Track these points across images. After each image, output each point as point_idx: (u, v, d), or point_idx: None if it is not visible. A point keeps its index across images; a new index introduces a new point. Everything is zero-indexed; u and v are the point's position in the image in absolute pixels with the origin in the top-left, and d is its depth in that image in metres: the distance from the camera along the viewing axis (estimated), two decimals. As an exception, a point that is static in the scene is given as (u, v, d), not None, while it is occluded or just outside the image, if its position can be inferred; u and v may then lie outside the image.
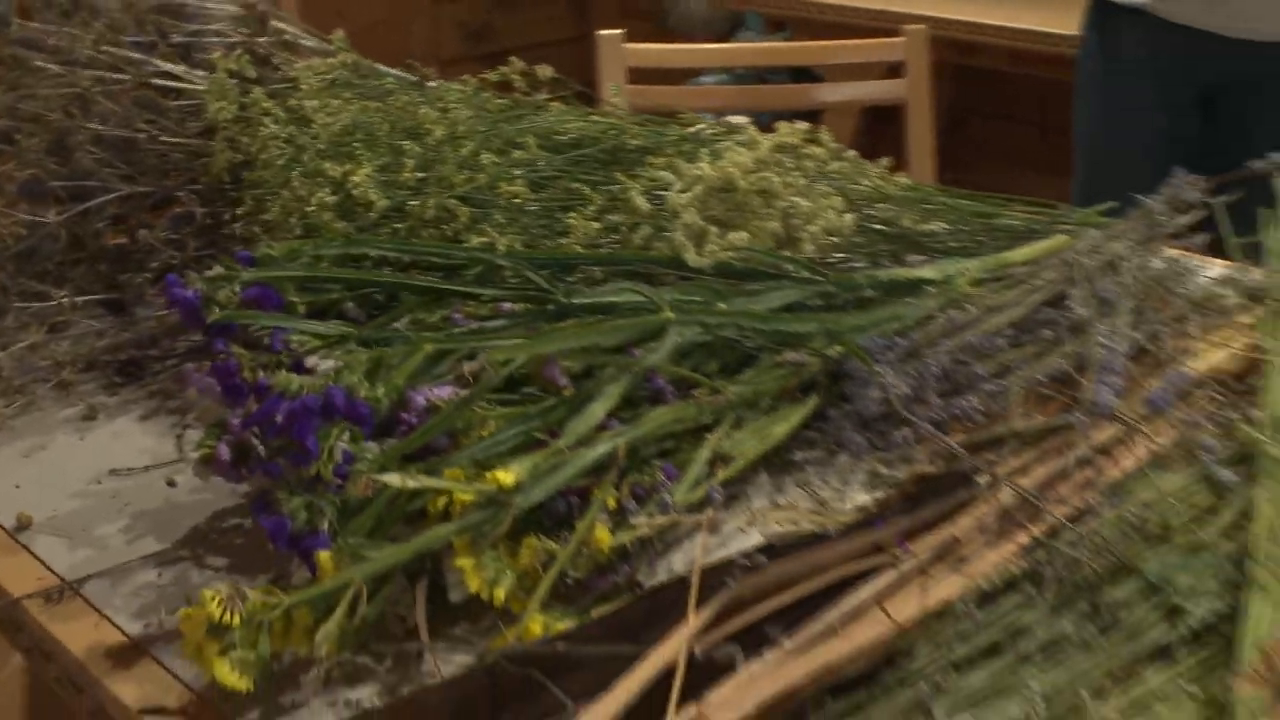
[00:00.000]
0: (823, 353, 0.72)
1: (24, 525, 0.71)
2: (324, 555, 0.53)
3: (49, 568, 0.67)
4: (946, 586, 0.57)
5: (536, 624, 0.54)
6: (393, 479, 0.52)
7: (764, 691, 0.47)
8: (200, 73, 0.90)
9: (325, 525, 0.55)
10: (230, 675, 0.49)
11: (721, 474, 0.65)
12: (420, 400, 0.60)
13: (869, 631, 0.53)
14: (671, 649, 0.49)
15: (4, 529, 0.71)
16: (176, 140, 0.88)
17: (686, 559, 0.63)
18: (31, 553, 0.69)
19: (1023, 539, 0.60)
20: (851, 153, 0.91)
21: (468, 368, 0.59)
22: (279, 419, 0.56)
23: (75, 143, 0.84)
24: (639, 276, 0.76)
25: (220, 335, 0.66)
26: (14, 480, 0.75)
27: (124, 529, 0.70)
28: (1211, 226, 0.91)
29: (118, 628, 0.62)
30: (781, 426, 0.69)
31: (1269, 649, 0.53)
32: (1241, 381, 0.76)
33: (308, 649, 0.53)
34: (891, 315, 0.77)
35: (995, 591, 0.58)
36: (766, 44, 1.74)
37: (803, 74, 2.11)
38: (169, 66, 0.88)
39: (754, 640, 0.51)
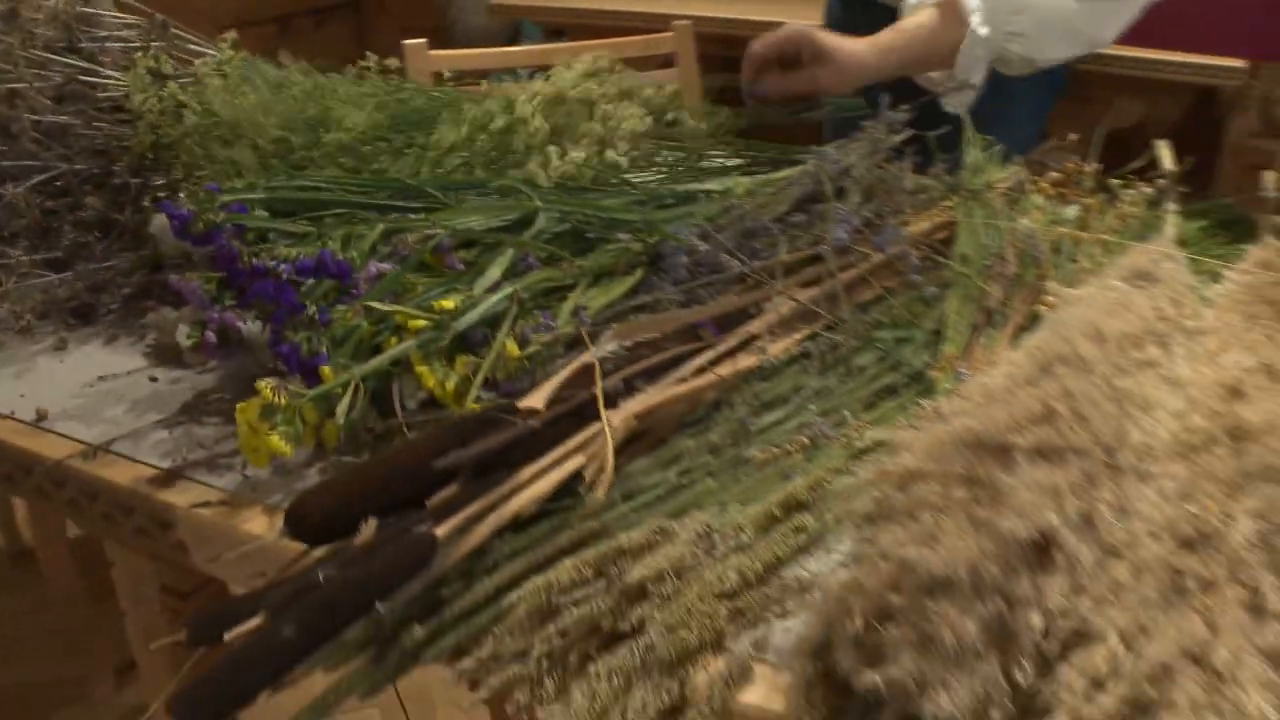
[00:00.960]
0: (644, 239, 1.01)
1: (43, 416, 0.91)
2: (326, 369, 0.78)
3: (76, 440, 0.89)
4: (749, 359, 0.86)
5: (474, 405, 0.80)
6: (375, 305, 0.77)
7: (647, 403, 0.75)
8: (114, 72, 1.12)
9: (324, 349, 0.79)
10: (281, 444, 0.73)
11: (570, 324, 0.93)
12: (373, 269, 0.85)
13: (704, 382, 0.82)
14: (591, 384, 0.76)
15: (25, 422, 0.92)
16: (103, 126, 1.09)
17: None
18: (57, 433, 0.90)
19: (798, 332, 0.90)
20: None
21: (412, 238, 0.85)
22: (283, 278, 0.80)
23: (19, 129, 1.05)
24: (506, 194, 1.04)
25: (206, 242, 0.89)
26: (18, 391, 0.96)
27: (126, 411, 0.92)
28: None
29: (150, 466, 0.84)
30: (620, 287, 0.97)
31: (949, 357, 0.84)
32: (944, 243, 1.09)
33: (313, 443, 0.78)
34: (687, 213, 1.07)
35: (782, 365, 0.88)
36: (563, 44, 2.02)
37: (586, 73, 2.42)
38: (91, 65, 1.10)
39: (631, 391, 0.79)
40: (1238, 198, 1.30)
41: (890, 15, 1.44)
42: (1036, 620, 0.56)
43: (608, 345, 0.82)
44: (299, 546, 0.70)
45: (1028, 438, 0.62)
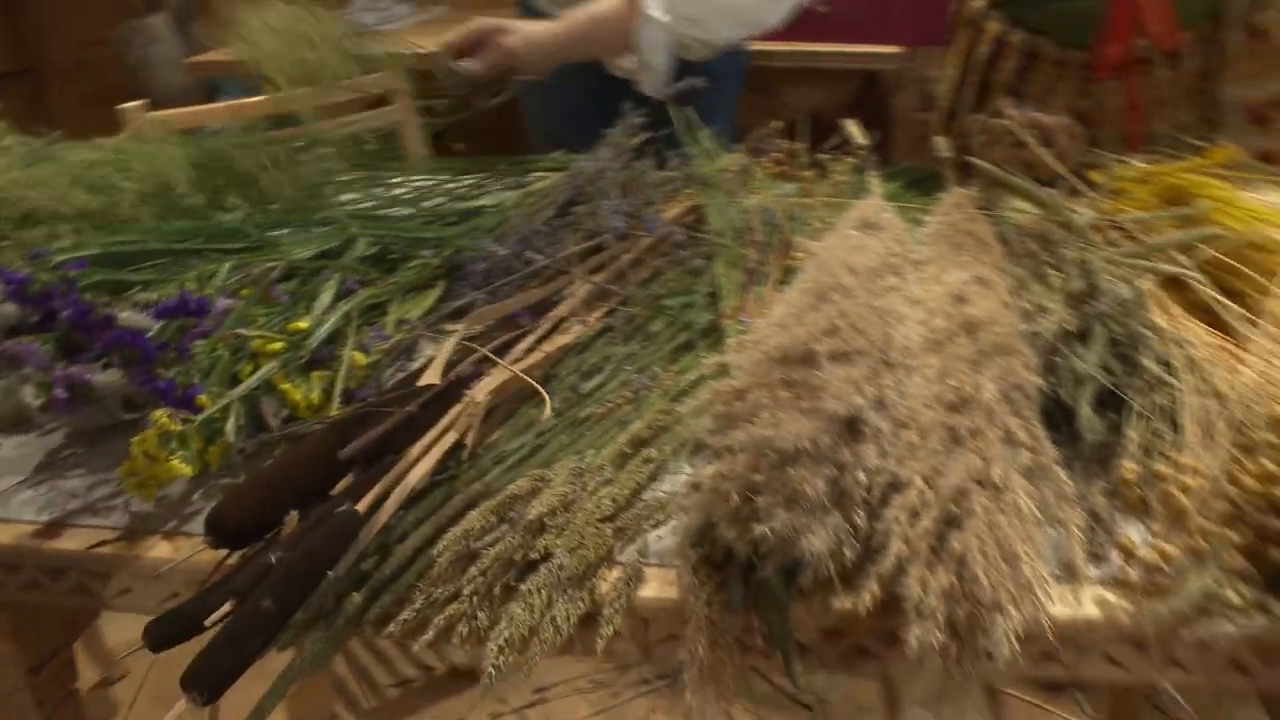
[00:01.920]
0: (442, 253, 1.15)
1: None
2: (202, 397, 0.87)
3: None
4: (564, 338, 1.01)
5: (335, 410, 0.92)
6: (243, 332, 0.87)
7: (496, 381, 0.89)
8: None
9: (196, 380, 0.88)
10: (182, 467, 0.82)
11: (400, 333, 1.06)
12: (222, 304, 0.94)
13: (535, 360, 0.96)
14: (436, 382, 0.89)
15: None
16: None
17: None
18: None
19: (598, 311, 1.06)
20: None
21: (255, 272, 0.95)
22: (141, 325, 0.88)
23: None
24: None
25: (47, 302, 0.95)
26: None
27: (-22, 482, 0.97)
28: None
29: (29, 522, 0.90)
30: (429, 298, 1.10)
31: (730, 309, 1.03)
32: (696, 222, 1.28)
33: (198, 469, 0.87)
34: (473, 226, 1.21)
35: (591, 339, 1.04)
36: (277, 95, 2.08)
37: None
38: None
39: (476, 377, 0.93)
40: (917, 160, 1.57)
41: None
42: (862, 478, 0.73)
43: (460, 333, 0.95)
44: (211, 561, 0.80)
45: (824, 346, 0.80)
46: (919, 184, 1.44)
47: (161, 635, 0.71)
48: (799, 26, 1.82)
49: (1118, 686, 1.78)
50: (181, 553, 0.83)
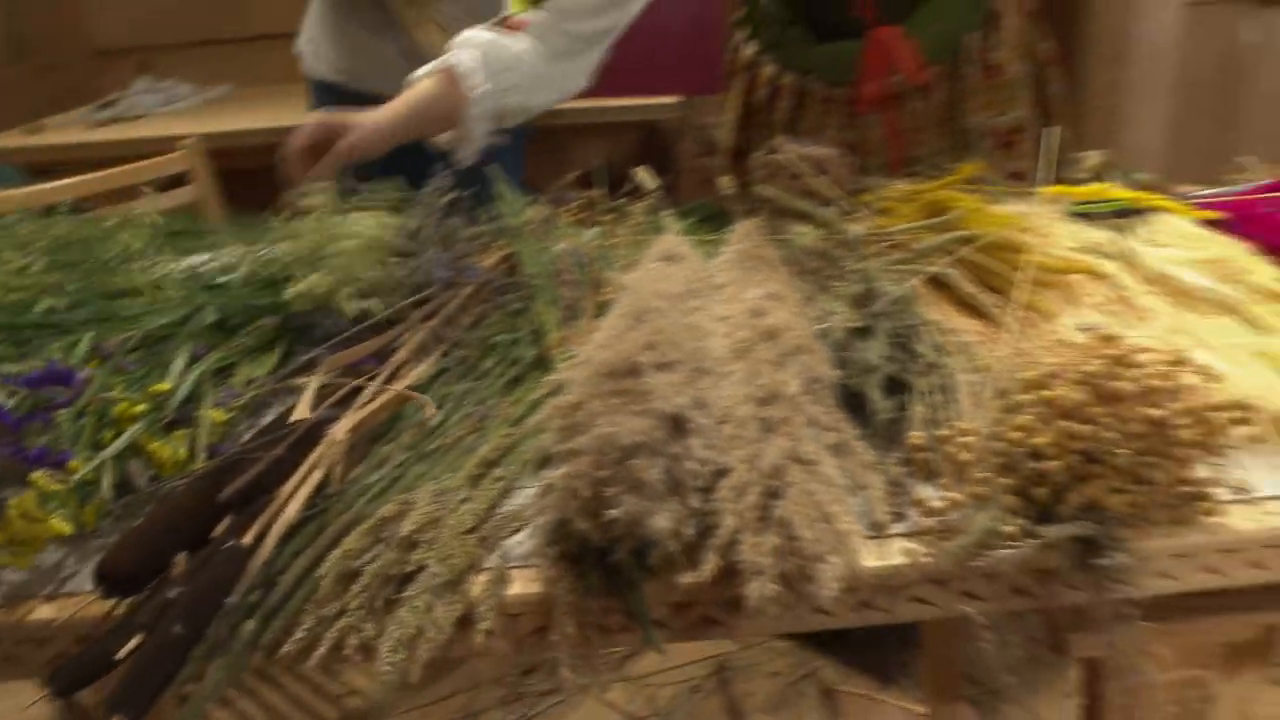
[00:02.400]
0: (279, 316, 1.23)
1: None
2: (74, 462, 0.93)
3: None
4: (406, 380, 1.11)
5: (200, 465, 0.99)
6: (112, 396, 0.94)
7: (353, 421, 0.98)
8: None
9: (66, 446, 0.94)
10: (62, 525, 0.88)
11: (252, 389, 1.13)
12: (82, 374, 1.00)
13: (392, 394, 1.06)
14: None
15: None
16: None
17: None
18: None
19: (434, 354, 1.16)
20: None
21: (111, 342, 1.01)
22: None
23: None
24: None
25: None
26: None
27: None
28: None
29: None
30: (271, 357, 1.18)
31: (554, 342, 1.14)
32: (511, 270, 1.39)
33: (76, 528, 0.93)
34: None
35: (431, 379, 1.14)
36: (61, 182, 2.08)
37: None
38: None
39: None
40: (705, 198, 1.73)
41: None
42: (692, 466, 0.86)
43: (316, 381, 1.03)
44: (98, 613, 0.87)
45: (646, 358, 0.92)
46: (709, 220, 1.59)
47: (69, 679, 0.78)
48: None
49: (928, 621, 1.95)
50: (65, 611, 0.89)
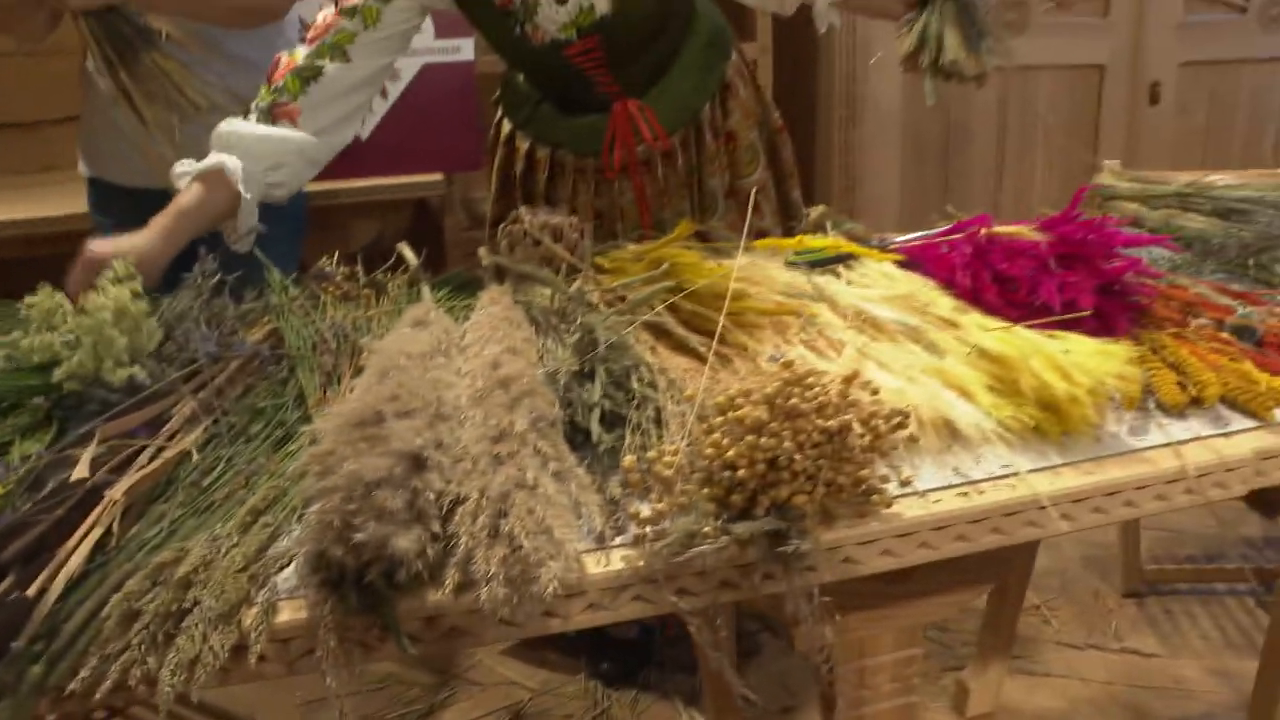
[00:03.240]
0: (51, 395, 1.34)
1: None
2: None
3: None
4: (179, 446, 1.24)
5: None
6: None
7: (131, 480, 1.11)
8: None
9: None
10: None
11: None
12: None
13: (157, 465, 1.18)
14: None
15: None
16: None
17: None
18: None
19: (204, 421, 1.30)
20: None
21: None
22: None
23: None
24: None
25: None
26: None
27: None
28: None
29: None
30: (47, 434, 1.29)
31: (315, 403, 1.29)
32: (277, 343, 1.53)
33: None
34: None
35: (203, 445, 1.27)
36: None
37: None
38: None
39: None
40: (464, 268, 1.90)
41: (156, 200, 1.80)
42: (432, 497, 1.02)
43: (92, 450, 1.15)
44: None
45: (389, 407, 1.08)
46: (463, 288, 1.76)
47: None
48: (348, 162, 2.12)
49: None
50: None
